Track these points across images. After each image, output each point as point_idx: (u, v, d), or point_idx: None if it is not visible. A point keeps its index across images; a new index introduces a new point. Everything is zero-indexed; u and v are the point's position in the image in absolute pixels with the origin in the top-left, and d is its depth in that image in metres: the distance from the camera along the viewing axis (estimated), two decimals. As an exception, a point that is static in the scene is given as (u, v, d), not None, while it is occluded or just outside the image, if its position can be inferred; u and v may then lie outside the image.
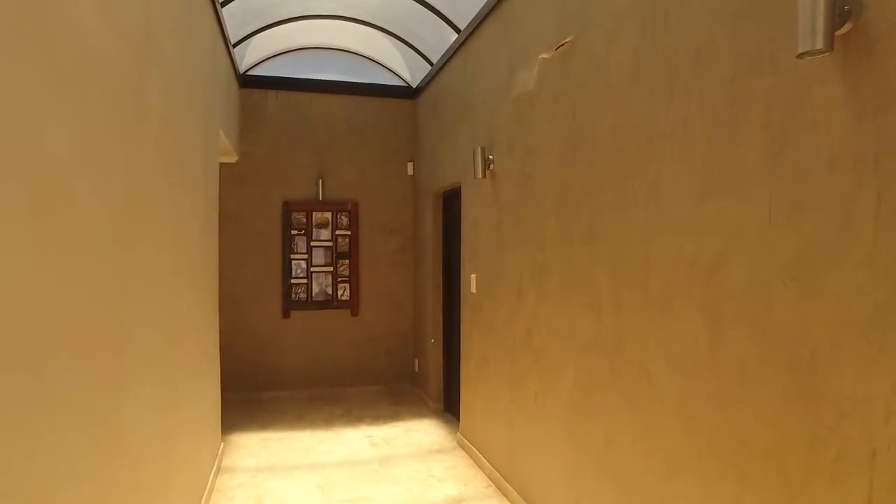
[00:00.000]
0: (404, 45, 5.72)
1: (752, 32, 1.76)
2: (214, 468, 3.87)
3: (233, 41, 4.93)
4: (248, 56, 5.71)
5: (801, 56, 1.48)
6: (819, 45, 1.43)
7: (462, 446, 4.57)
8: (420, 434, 4.98)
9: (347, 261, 6.22)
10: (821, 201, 1.55)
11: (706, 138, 1.96)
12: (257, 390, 5.95)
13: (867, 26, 1.43)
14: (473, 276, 4.37)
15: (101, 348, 1.66)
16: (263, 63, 6.02)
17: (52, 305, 1.32)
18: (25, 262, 1.20)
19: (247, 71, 5.88)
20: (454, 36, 4.84)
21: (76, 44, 1.46)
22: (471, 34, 4.40)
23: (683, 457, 2.07)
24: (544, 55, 3.17)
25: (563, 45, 2.95)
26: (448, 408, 5.54)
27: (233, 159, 5.57)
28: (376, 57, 6.23)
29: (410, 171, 6.36)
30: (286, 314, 6.04)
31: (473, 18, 4.26)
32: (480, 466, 4.14)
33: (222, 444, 4.41)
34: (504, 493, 3.68)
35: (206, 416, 3.57)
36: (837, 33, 1.46)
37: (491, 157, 3.95)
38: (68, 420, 1.42)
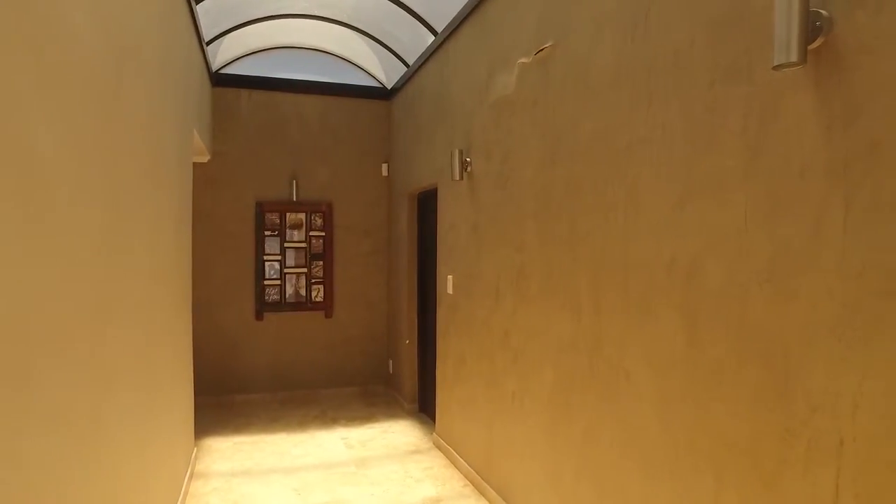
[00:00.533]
0: (380, 46, 5.72)
1: (730, 43, 1.83)
2: (188, 473, 3.80)
3: (206, 39, 4.85)
4: (221, 54, 5.63)
5: (776, 68, 1.56)
6: (793, 57, 1.51)
7: (438, 447, 4.60)
8: (396, 435, 4.98)
9: (321, 262, 6.18)
10: (793, 207, 1.62)
11: (684, 144, 2.03)
12: (230, 393, 5.86)
13: (836, 42, 1.51)
14: (450, 277, 4.40)
15: (85, 350, 1.63)
16: (237, 62, 5.94)
17: (38, 306, 1.30)
18: (11, 262, 1.18)
19: (219, 69, 5.80)
20: (431, 38, 4.86)
21: (64, 42, 1.43)
22: (448, 36, 4.43)
23: (662, 454, 2.14)
24: (524, 60, 3.22)
25: (542, 49, 3.01)
26: (423, 409, 5.56)
27: (205, 159, 5.48)
28: (351, 57, 6.21)
29: (385, 173, 6.36)
30: (259, 316, 5.96)
31: (451, 21, 4.29)
32: (457, 466, 4.17)
33: (195, 448, 4.34)
34: (482, 493, 3.72)
35: (180, 420, 3.51)
36: (810, 47, 1.53)
37: (468, 159, 3.99)
38: (53, 424, 1.39)
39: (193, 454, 4.17)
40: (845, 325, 1.49)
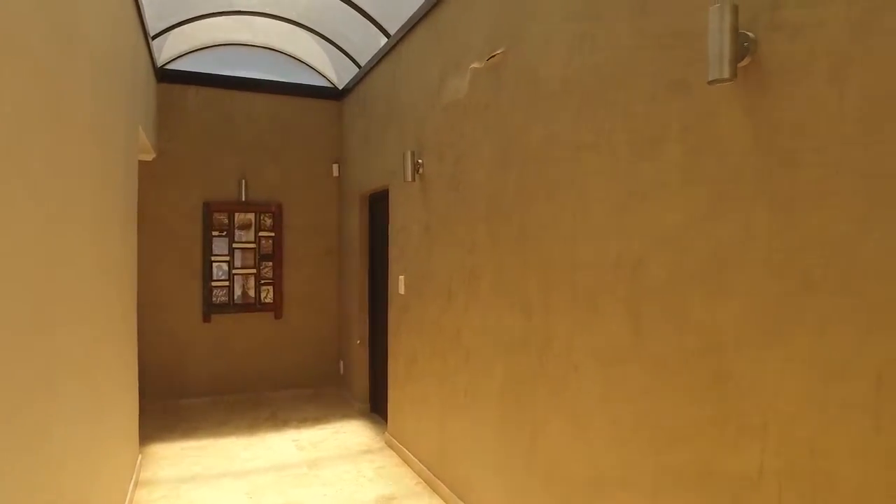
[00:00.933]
0: (331, 46, 5.70)
1: (671, 58, 1.97)
2: (133, 481, 3.69)
3: (152, 33, 4.71)
4: (167, 49, 5.47)
5: (711, 82, 1.69)
6: (725, 74, 1.64)
7: (391, 446, 4.63)
8: (347, 435, 4.98)
9: (271, 263, 6.10)
10: (727, 211, 1.77)
11: (629, 150, 2.16)
12: (176, 397, 5.70)
13: (761, 61, 1.66)
14: (401, 277, 4.44)
15: (28, 353, 1.59)
16: (184, 57, 5.78)
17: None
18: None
19: (165, 65, 5.63)
20: (383, 40, 4.89)
21: (5, 29, 1.40)
22: (401, 39, 4.47)
23: (607, 443, 2.26)
24: (476, 65, 3.31)
25: (494, 56, 3.10)
26: (374, 408, 5.57)
27: (149, 157, 5.31)
28: (302, 56, 6.16)
29: (336, 173, 6.33)
30: (206, 318, 5.83)
31: (404, 24, 4.34)
32: (410, 465, 4.22)
33: (140, 455, 4.21)
34: (434, 489, 3.78)
35: (124, 426, 3.41)
36: (739, 65, 1.67)
37: (420, 161, 4.04)
38: None
39: (138, 461, 4.05)
40: (769, 318, 1.63)
